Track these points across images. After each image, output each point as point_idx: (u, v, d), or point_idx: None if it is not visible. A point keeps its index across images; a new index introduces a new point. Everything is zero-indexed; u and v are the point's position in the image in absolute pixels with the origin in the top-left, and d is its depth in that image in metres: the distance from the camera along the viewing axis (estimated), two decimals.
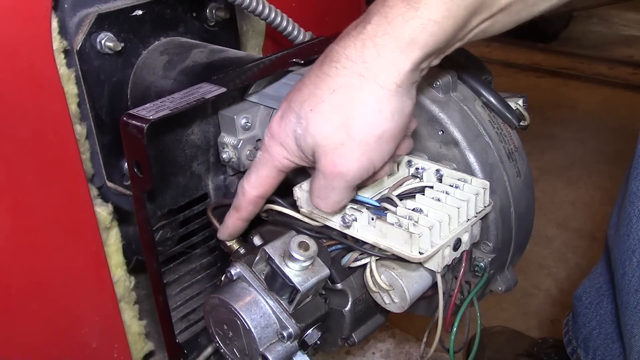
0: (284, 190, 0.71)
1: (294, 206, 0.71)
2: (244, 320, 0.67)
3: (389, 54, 0.56)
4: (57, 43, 0.74)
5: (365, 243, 0.67)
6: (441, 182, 0.70)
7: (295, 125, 0.61)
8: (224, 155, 0.79)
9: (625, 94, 2.78)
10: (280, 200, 0.71)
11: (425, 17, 0.55)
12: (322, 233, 0.70)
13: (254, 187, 0.68)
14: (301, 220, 0.71)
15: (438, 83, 0.72)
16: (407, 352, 1.18)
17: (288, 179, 0.69)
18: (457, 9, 0.55)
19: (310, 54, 0.75)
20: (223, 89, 0.71)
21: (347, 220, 0.67)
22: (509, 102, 0.76)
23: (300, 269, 0.66)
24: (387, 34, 0.56)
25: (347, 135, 0.58)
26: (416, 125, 0.66)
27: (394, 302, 0.69)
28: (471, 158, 0.71)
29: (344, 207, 0.66)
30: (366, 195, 0.69)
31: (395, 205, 0.67)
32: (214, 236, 0.84)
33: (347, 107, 0.58)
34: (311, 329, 0.70)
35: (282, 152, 0.64)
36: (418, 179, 0.72)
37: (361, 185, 0.67)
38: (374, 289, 0.68)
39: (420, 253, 0.63)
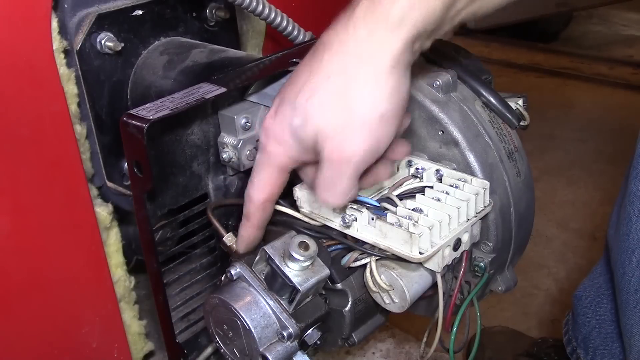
0: (284, 190, 0.71)
1: (294, 206, 0.71)
2: (244, 320, 0.67)
3: (381, 34, 0.55)
4: (57, 43, 0.74)
5: (365, 243, 0.67)
6: (441, 182, 0.70)
7: (291, 118, 0.59)
8: (224, 155, 0.79)
9: (625, 94, 2.77)
10: (280, 200, 0.71)
11: None
12: (322, 233, 0.70)
13: (258, 191, 0.65)
14: (301, 220, 0.71)
15: (438, 83, 0.72)
16: (407, 352, 1.18)
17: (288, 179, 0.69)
18: None
19: None
20: (223, 89, 0.71)
21: (347, 220, 0.67)
22: (509, 102, 0.76)
23: (300, 269, 0.66)
24: (377, 15, 0.55)
25: (350, 118, 0.57)
26: (409, 121, 0.65)
27: (394, 302, 0.69)
28: (471, 158, 0.71)
29: (350, 199, 0.63)
30: (366, 195, 0.69)
31: (395, 205, 0.67)
32: (214, 236, 0.84)
33: (345, 91, 0.57)
34: (311, 329, 0.70)
35: (280, 149, 0.61)
36: (418, 179, 0.72)
37: (360, 187, 0.66)
38: (374, 289, 0.68)
39: (420, 253, 0.63)
